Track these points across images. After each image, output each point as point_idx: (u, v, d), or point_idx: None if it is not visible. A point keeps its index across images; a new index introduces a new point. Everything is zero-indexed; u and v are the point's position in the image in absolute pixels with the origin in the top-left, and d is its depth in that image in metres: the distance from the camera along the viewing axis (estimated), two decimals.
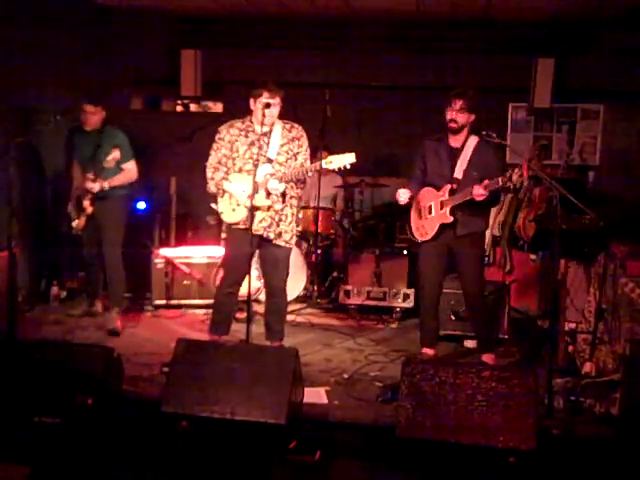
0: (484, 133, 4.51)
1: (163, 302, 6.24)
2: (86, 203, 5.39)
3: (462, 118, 4.57)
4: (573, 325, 4.85)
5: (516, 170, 4.21)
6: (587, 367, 4.41)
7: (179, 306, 6.24)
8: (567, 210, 4.50)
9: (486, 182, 4.36)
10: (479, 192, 4.37)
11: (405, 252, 6.27)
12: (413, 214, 4.86)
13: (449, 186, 4.61)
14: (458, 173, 4.61)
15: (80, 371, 3.76)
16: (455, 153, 4.65)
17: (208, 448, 3.59)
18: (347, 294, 6.15)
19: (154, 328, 5.71)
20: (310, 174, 4.59)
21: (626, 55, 6.85)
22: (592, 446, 3.64)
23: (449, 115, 4.57)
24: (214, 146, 4.68)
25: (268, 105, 4.44)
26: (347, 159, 4.36)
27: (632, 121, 7.13)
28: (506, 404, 3.43)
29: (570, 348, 4.73)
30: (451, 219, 4.58)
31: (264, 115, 4.46)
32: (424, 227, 4.75)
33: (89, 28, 6.89)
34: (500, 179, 4.29)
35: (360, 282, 6.16)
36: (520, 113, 7.44)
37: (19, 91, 5.96)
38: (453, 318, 5.39)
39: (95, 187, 5.29)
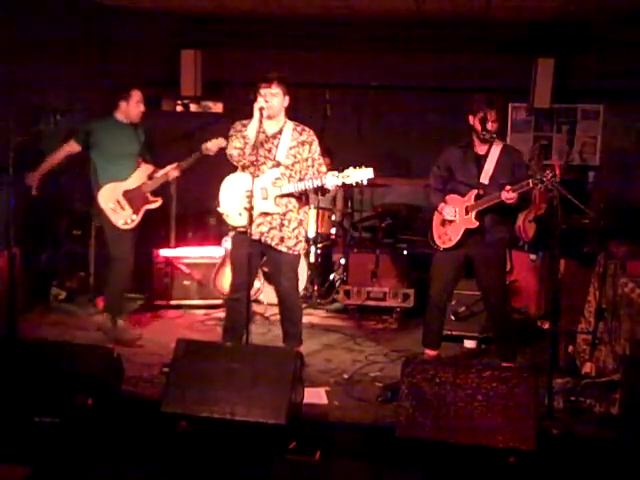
0: (485, 133, 4.51)
1: (163, 302, 6.23)
2: (151, 197, 5.30)
3: (495, 128, 4.53)
4: (573, 325, 4.84)
5: (547, 171, 4.19)
6: (587, 367, 4.41)
7: (179, 306, 6.23)
8: (567, 210, 4.51)
9: (514, 186, 4.33)
10: (509, 196, 4.34)
11: (405, 252, 6.27)
12: (435, 221, 4.80)
13: (475, 191, 4.57)
14: (484, 179, 4.58)
15: (80, 371, 3.76)
16: (481, 159, 4.61)
17: (208, 448, 3.59)
18: (347, 294, 6.15)
19: (154, 328, 5.71)
20: (331, 187, 4.44)
21: (626, 55, 6.85)
22: (592, 446, 3.64)
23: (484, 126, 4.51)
24: (230, 139, 4.52)
25: (262, 108, 4.34)
26: (365, 174, 4.32)
27: (632, 121, 7.13)
28: (506, 404, 3.43)
29: (570, 348, 4.73)
30: (477, 224, 4.55)
31: (262, 115, 4.33)
32: (447, 234, 4.69)
33: (89, 28, 6.89)
34: (531, 181, 4.26)
35: (360, 282, 6.16)
36: (520, 113, 7.44)
37: (19, 91, 5.96)
38: (453, 318, 5.39)
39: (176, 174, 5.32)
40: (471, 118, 4.57)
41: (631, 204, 6.60)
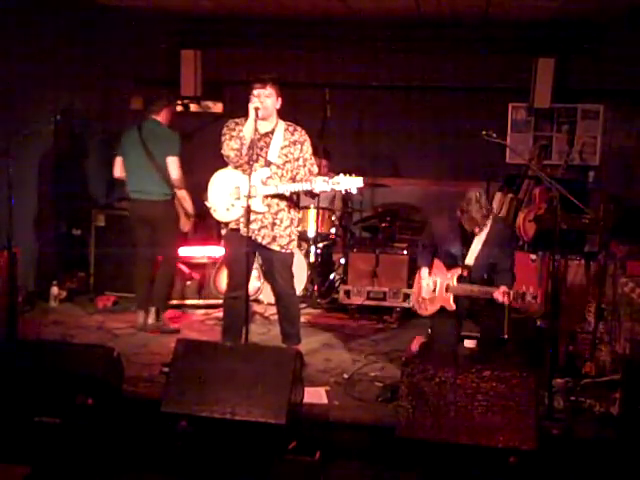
0: (484, 133, 4.50)
1: None
2: None
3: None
4: (573, 325, 4.84)
5: (531, 290, 4.12)
6: (587, 367, 4.41)
7: (179, 306, 6.23)
8: (567, 210, 4.50)
9: (512, 293, 4.21)
10: (502, 299, 4.24)
11: (405, 252, 6.26)
12: (416, 284, 4.76)
13: (459, 271, 4.48)
14: (470, 259, 4.47)
15: (80, 371, 3.76)
16: (470, 237, 4.47)
17: (208, 448, 3.59)
18: (347, 294, 6.15)
19: None
20: (317, 190, 4.43)
21: (626, 55, 6.85)
22: (592, 446, 3.64)
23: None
24: (224, 138, 4.52)
25: (257, 108, 4.34)
26: (354, 182, 4.32)
27: (632, 121, 7.13)
28: (506, 404, 3.43)
29: (570, 348, 4.73)
30: (453, 307, 4.48)
31: (257, 115, 4.34)
32: (425, 302, 4.67)
33: (89, 28, 6.88)
34: (512, 293, 4.17)
35: (360, 282, 6.16)
36: (520, 113, 7.43)
37: (19, 91, 5.96)
38: None
39: None
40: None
41: (631, 204, 6.59)
